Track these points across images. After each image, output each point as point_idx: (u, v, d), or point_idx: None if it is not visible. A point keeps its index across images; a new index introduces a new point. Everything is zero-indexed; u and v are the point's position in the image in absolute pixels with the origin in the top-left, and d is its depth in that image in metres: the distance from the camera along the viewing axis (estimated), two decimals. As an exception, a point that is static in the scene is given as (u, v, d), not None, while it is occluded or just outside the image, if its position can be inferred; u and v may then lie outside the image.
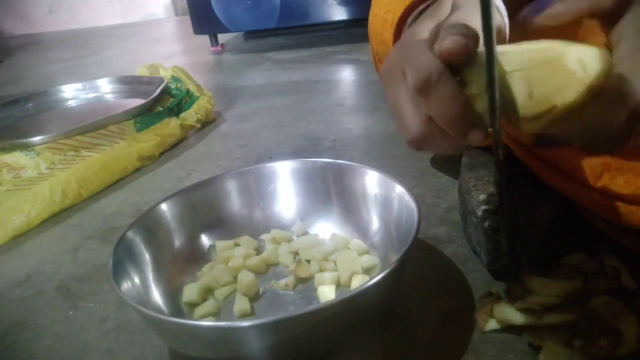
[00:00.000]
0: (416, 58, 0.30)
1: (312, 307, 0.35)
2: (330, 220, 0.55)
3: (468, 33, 0.29)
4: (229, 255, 0.51)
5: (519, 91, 0.28)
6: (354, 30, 1.94)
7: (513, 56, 0.29)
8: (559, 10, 0.30)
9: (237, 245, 0.54)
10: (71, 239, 0.67)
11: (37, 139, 0.81)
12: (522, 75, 0.28)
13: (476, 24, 0.29)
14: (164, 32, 2.77)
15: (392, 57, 0.33)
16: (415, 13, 0.39)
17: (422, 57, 0.29)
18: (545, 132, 0.30)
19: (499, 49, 0.28)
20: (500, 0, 0.36)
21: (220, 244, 0.53)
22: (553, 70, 0.28)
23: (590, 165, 0.43)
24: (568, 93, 0.28)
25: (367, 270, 0.48)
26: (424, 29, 0.33)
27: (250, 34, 2.18)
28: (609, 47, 0.30)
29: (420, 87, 0.29)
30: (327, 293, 0.46)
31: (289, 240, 0.54)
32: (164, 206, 0.52)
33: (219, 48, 1.96)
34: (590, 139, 0.29)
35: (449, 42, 0.28)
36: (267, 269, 0.52)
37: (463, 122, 0.29)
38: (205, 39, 1.97)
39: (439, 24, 0.32)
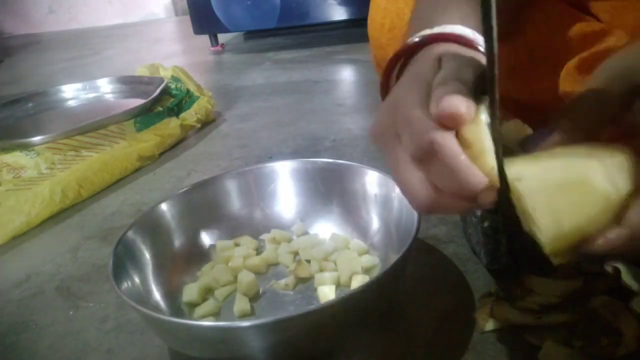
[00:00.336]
0: (411, 123, 0.28)
1: (312, 307, 0.35)
2: (330, 220, 0.55)
3: (461, 91, 0.27)
4: (229, 255, 0.51)
5: (547, 227, 0.25)
6: (354, 30, 1.93)
7: (533, 185, 0.25)
8: (556, 141, 0.27)
9: (237, 245, 0.53)
10: (71, 239, 0.67)
11: (37, 139, 0.81)
12: (547, 210, 0.25)
13: (467, 77, 0.28)
14: (164, 32, 2.77)
15: (383, 119, 0.30)
16: (401, 63, 0.38)
17: (416, 121, 0.27)
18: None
19: (515, 172, 0.26)
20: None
21: (220, 244, 0.53)
22: (582, 195, 0.25)
23: None
24: (604, 218, 0.25)
25: (367, 270, 0.48)
26: (412, 87, 0.30)
27: (250, 34, 2.18)
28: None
29: (420, 156, 0.27)
30: (327, 293, 0.46)
31: (289, 240, 0.54)
32: (164, 206, 0.52)
33: (219, 48, 1.96)
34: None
35: (447, 104, 0.26)
36: (267, 269, 0.52)
37: (471, 189, 0.26)
38: (205, 39, 1.97)
39: (429, 80, 0.30)
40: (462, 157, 0.26)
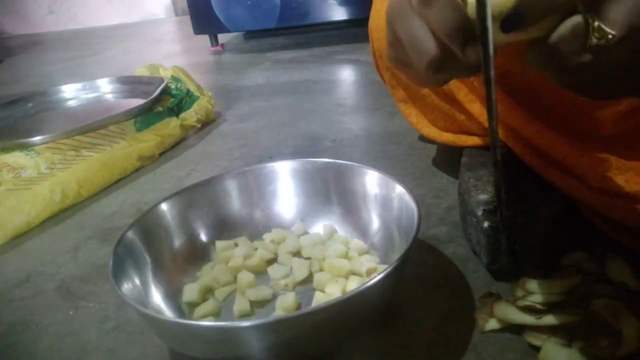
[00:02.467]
0: None
1: (312, 307, 0.35)
2: (330, 220, 0.55)
3: None
4: (229, 255, 0.51)
5: None
6: (354, 30, 1.94)
7: None
8: None
9: (237, 245, 0.53)
10: (71, 239, 0.67)
11: (37, 139, 0.81)
12: None
13: None
14: (164, 32, 2.77)
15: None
16: None
17: None
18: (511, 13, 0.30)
19: None
20: None
21: (220, 244, 0.53)
22: None
23: (591, 163, 0.43)
24: None
25: (367, 270, 0.48)
26: None
27: (250, 34, 2.18)
28: None
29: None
30: (326, 293, 0.46)
31: (289, 240, 0.54)
32: (164, 206, 0.52)
33: (219, 48, 1.96)
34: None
35: None
36: (267, 269, 0.52)
37: (460, 32, 0.30)
38: (205, 39, 1.97)
39: None
40: (457, 3, 0.29)
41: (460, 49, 0.30)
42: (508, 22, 0.28)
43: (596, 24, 0.27)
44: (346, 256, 0.50)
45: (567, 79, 0.31)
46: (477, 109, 0.55)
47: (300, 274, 0.49)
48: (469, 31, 0.30)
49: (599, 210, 0.45)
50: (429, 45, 0.32)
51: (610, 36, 0.27)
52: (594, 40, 0.28)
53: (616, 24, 0.27)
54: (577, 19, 0.27)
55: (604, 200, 0.44)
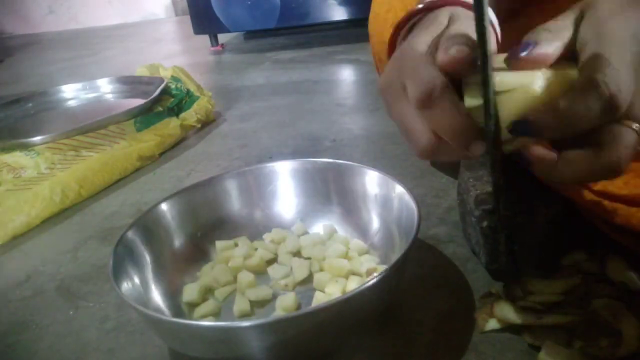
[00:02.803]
0: (417, 71, 0.30)
1: (312, 307, 0.35)
2: (330, 220, 0.55)
3: (471, 43, 0.29)
4: (229, 255, 0.51)
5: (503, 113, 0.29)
6: (354, 30, 1.94)
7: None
8: (545, 54, 0.28)
9: (237, 245, 0.53)
10: (71, 239, 0.67)
11: (37, 139, 0.81)
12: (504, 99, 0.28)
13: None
14: (164, 32, 2.77)
15: (389, 72, 0.32)
16: (408, 25, 0.39)
17: (423, 70, 0.29)
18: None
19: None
20: (492, 11, 0.36)
21: (220, 244, 0.53)
22: (522, 94, 0.28)
23: None
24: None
25: (367, 271, 0.48)
26: (420, 41, 0.33)
27: (250, 34, 2.18)
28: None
29: (422, 100, 0.29)
30: (326, 293, 0.46)
31: (289, 240, 0.54)
32: (164, 206, 0.52)
33: (219, 48, 1.96)
34: (569, 138, 0.28)
35: (454, 50, 0.28)
36: (267, 269, 0.52)
37: (464, 134, 0.29)
38: (205, 39, 1.97)
39: (437, 36, 0.32)
40: (461, 107, 0.29)
41: (464, 148, 0.29)
42: (515, 128, 0.28)
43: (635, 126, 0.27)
44: (346, 256, 0.50)
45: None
46: None
47: (300, 274, 0.49)
48: (477, 132, 0.29)
49: (599, 213, 0.45)
50: (424, 138, 0.30)
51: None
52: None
53: None
54: (624, 130, 0.27)
55: (603, 203, 0.44)
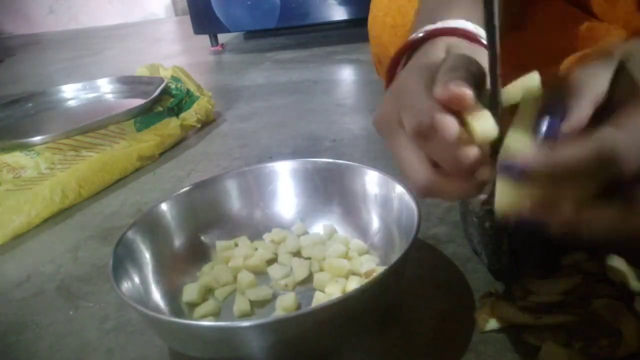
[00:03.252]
0: (412, 103, 0.29)
1: (312, 307, 0.35)
2: (330, 220, 0.55)
3: (469, 77, 0.28)
4: (229, 255, 0.51)
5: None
6: (354, 30, 1.93)
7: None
8: (578, 121, 0.26)
9: (237, 245, 0.53)
10: (71, 239, 0.67)
11: (37, 139, 0.81)
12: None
13: (474, 68, 0.29)
14: (164, 32, 2.77)
15: (386, 106, 0.31)
16: (407, 55, 0.38)
17: (419, 101, 0.28)
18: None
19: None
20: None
21: (220, 244, 0.53)
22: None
23: None
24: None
25: (366, 273, 0.48)
26: (416, 74, 0.31)
27: (250, 34, 2.18)
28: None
29: (419, 132, 0.28)
30: (326, 293, 0.46)
31: (289, 240, 0.54)
32: (164, 206, 0.52)
33: (219, 48, 1.96)
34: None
35: (453, 86, 0.26)
36: (267, 269, 0.52)
37: (474, 165, 0.27)
38: (205, 39, 1.97)
39: (434, 68, 0.30)
40: (460, 132, 0.27)
41: (469, 176, 0.28)
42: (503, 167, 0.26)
43: None
44: (346, 256, 0.50)
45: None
46: None
47: (300, 274, 0.49)
48: (484, 160, 0.27)
49: None
50: (422, 176, 0.29)
51: None
52: None
53: None
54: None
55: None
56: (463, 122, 0.28)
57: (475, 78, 0.29)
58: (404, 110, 0.29)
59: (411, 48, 0.36)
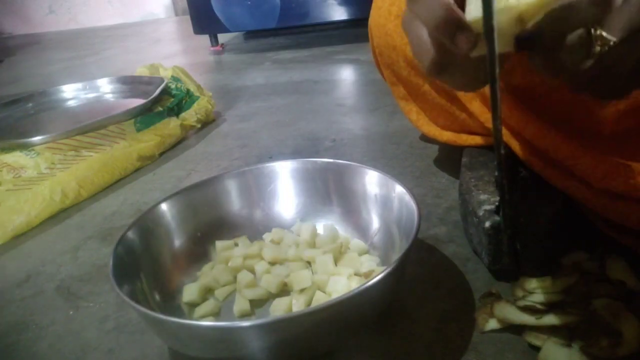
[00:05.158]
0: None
1: (312, 307, 0.35)
2: (330, 220, 0.55)
3: None
4: (229, 255, 0.51)
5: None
6: (354, 30, 1.94)
7: None
8: None
9: (237, 245, 0.53)
10: (71, 239, 0.67)
11: (37, 139, 0.81)
12: None
13: None
14: (164, 32, 2.77)
15: (408, 6, 0.34)
16: None
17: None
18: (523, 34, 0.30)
19: None
20: None
21: (220, 244, 0.53)
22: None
23: (592, 163, 0.43)
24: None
25: (364, 274, 0.48)
26: None
27: (250, 34, 2.18)
28: None
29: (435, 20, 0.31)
30: (326, 293, 0.46)
31: (289, 240, 0.54)
32: (164, 206, 0.52)
33: (219, 48, 1.96)
34: (565, 40, 0.29)
35: None
36: (267, 269, 0.52)
37: (447, 23, 0.30)
38: (205, 39, 1.97)
39: None
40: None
41: (450, 39, 0.31)
42: (523, 41, 0.29)
43: (598, 32, 0.29)
44: (340, 251, 0.50)
45: (574, 82, 0.32)
46: (477, 107, 0.55)
47: (299, 274, 0.49)
48: (458, 22, 0.30)
49: (600, 212, 0.45)
50: (427, 46, 0.32)
51: (611, 43, 0.29)
52: (597, 48, 0.29)
53: (616, 31, 0.28)
54: (581, 31, 0.29)
55: (604, 201, 0.44)
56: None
57: None
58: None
59: None
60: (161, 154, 0.91)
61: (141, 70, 1.17)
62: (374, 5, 0.64)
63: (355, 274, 0.48)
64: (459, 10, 0.31)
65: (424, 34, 0.33)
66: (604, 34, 0.29)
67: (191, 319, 0.46)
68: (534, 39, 0.29)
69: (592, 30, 0.29)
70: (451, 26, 0.30)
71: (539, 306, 0.40)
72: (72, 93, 1.19)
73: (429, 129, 0.66)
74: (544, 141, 0.47)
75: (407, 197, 0.46)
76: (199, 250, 0.53)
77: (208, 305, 0.46)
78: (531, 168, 0.49)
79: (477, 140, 0.59)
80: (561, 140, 0.45)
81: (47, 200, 0.72)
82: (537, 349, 0.38)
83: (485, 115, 0.54)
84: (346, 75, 1.41)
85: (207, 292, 0.49)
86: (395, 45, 0.60)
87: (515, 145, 0.50)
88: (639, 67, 0.30)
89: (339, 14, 1.75)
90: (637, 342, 0.35)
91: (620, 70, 0.30)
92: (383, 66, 0.67)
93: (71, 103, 1.18)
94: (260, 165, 0.58)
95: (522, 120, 0.48)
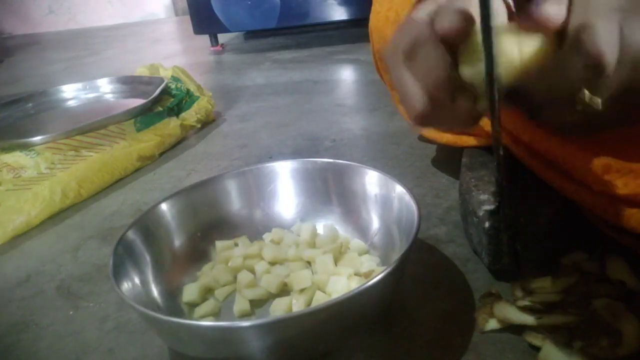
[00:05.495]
0: (408, 27, 0.32)
1: (312, 307, 0.35)
2: (330, 220, 0.55)
3: (465, 14, 0.30)
4: (229, 255, 0.51)
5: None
6: (354, 30, 1.93)
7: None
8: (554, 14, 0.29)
9: (237, 245, 0.53)
10: (71, 239, 0.67)
11: (37, 139, 0.81)
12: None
13: (476, 9, 0.30)
14: (164, 32, 2.77)
15: (393, 39, 0.34)
16: None
17: (412, 25, 0.31)
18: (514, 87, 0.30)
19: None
20: None
21: (220, 244, 0.53)
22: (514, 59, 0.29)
23: (591, 166, 0.43)
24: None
25: (367, 271, 0.48)
26: (422, 10, 0.34)
27: (250, 34, 2.18)
28: None
29: (407, 49, 0.30)
30: (326, 293, 0.46)
31: (289, 240, 0.54)
32: (164, 206, 0.52)
33: (219, 48, 1.96)
34: (554, 98, 0.30)
35: (447, 23, 0.29)
36: (267, 269, 0.52)
37: (449, 83, 0.30)
38: (205, 39, 1.97)
39: (437, 6, 0.33)
40: (444, 51, 0.30)
41: (450, 99, 0.30)
42: (512, 96, 0.30)
43: (586, 96, 0.29)
44: (340, 251, 0.50)
45: (558, 129, 0.33)
46: None
47: (299, 274, 0.49)
48: (458, 82, 0.30)
49: (600, 214, 0.45)
50: (417, 102, 0.32)
51: (598, 106, 0.29)
52: (580, 107, 0.30)
53: (604, 92, 0.29)
54: (568, 94, 0.30)
55: (604, 203, 0.44)
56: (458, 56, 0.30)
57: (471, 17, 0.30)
58: (400, 30, 0.32)
59: None
60: (161, 154, 0.91)
61: (141, 70, 1.17)
62: (372, 9, 0.64)
63: (355, 274, 0.48)
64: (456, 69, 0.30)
65: (413, 85, 0.32)
66: (592, 98, 0.29)
67: (191, 319, 0.46)
68: (523, 97, 0.29)
69: (580, 94, 0.29)
70: (453, 86, 0.30)
71: (539, 306, 0.40)
72: (72, 93, 1.19)
73: (429, 132, 0.66)
74: (542, 145, 0.47)
75: (407, 197, 0.46)
76: (199, 250, 0.53)
77: (208, 305, 0.46)
78: (531, 170, 0.49)
79: (477, 141, 0.59)
80: (559, 143, 0.45)
81: (47, 200, 0.72)
82: (537, 349, 0.38)
83: (484, 120, 0.54)
84: (346, 75, 1.41)
85: (207, 292, 0.49)
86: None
87: (514, 148, 0.50)
88: (621, 117, 0.31)
89: (339, 14, 1.75)
90: (637, 342, 0.35)
91: (602, 121, 0.31)
92: (383, 71, 0.67)
93: (71, 103, 1.18)
94: (260, 165, 0.58)
95: (519, 124, 0.48)
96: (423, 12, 0.34)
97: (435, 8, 0.33)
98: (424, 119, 0.32)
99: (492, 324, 0.41)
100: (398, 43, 0.33)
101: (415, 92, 0.32)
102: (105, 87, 1.20)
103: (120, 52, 2.26)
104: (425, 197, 0.64)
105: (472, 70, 0.30)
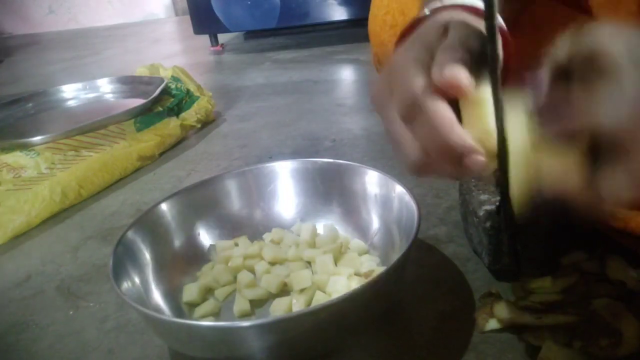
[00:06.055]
0: (402, 82, 0.28)
1: (312, 307, 0.35)
2: (330, 220, 0.55)
3: (468, 55, 0.27)
4: (229, 255, 0.51)
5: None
6: (354, 30, 1.93)
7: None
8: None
9: (237, 245, 0.53)
10: (71, 239, 0.67)
11: (37, 139, 0.81)
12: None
13: (474, 46, 0.28)
14: (164, 32, 2.77)
15: (380, 82, 0.31)
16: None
17: (407, 79, 0.28)
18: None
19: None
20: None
21: (220, 244, 0.53)
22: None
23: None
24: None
25: (367, 270, 0.48)
26: (412, 50, 0.31)
27: (250, 34, 2.18)
28: None
29: (405, 113, 0.27)
30: (326, 293, 0.46)
31: (289, 240, 0.54)
32: (164, 206, 0.52)
33: (219, 48, 1.96)
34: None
35: (449, 73, 0.26)
36: (267, 269, 0.52)
37: (454, 148, 0.26)
38: (205, 39, 1.97)
39: (433, 44, 0.30)
40: (447, 116, 0.26)
41: (456, 164, 0.27)
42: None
43: None
44: (340, 252, 0.50)
45: None
46: None
47: (299, 274, 0.49)
48: (469, 147, 0.27)
49: (599, 216, 0.45)
50: (411, 152, 0.28)
51: None
52: None
53: None
54: None
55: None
56: (463, 108, 0.28)
57: (475, 55, 0.28)
58: (395, 87, 0.29)
59: (417, 26, 0.35)
60: (161, 154, 0.91)
61: (141, 70, 1.17)
62: (370, 13, 0.64)
63: (355, 274, 0.48)
64: (464, 132, 0.26)
65: (410, 140, 0.28)
66: None
67: (191, 319, 0.46)
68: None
69: None
70: (458, 152, 0.26)
71: (539, 306, 0.40)
72: (72, 93, 1.19)
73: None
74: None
75: (407, 197, 0.46)
76: (199, 250, 0.53)
77: (208, 305, 0.46)
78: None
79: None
80: None
81: (47, 200, 0.72)
82: (537, 349, 0.38)
83: None
84: (346, 75, 1.41)
85: (207, 292, 0.49)
86: (390, 54, 0.60)
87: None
88: None
89: (339, 14, 1.75)
90: (637, 342, 0.35)
91: None
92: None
93: (71, 103, 1.18)
94: (260, 165, 0.58)
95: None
96: (409, 51, 0.30)
97: (426, 47, 0.30)
98: (420, 170, 0.29)
99: (492, 324, 0.41)
100: (383, 86, 0.30)
101: (408, 141, 0.28)
102: (105, 87, 1.20)
103: (120, 52, 2.26)
104: (425, 197, 0.64)
105: (479, 131, 0.27)
